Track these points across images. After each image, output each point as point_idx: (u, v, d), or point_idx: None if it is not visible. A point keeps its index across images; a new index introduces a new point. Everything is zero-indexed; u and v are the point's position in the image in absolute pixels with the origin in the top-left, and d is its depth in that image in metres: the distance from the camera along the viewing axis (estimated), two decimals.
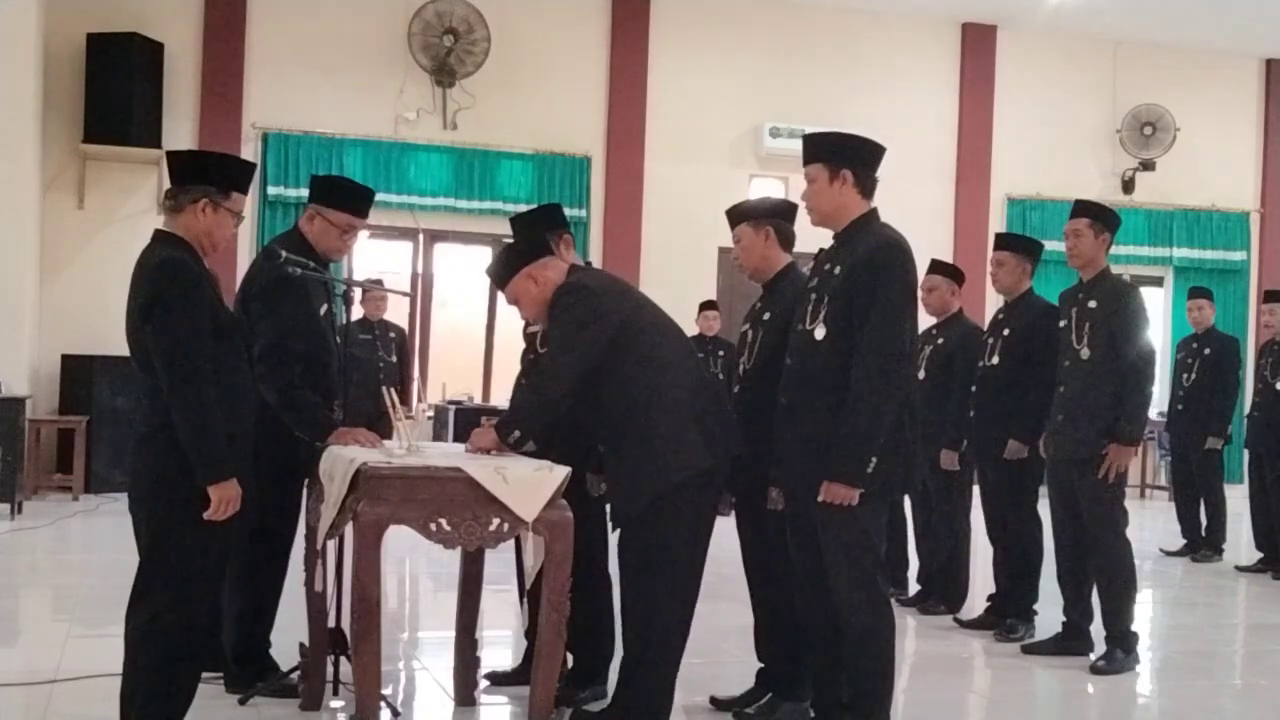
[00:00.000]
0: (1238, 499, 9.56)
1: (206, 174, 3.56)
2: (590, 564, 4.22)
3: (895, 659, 3.85)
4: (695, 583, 3.96)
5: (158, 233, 3.55)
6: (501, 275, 4.06)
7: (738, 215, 4.40)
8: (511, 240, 4.33)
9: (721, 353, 9.90)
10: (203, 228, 3.53)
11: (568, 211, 11.61)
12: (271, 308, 4.21)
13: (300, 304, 4.27)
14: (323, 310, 4.38)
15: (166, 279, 3.38)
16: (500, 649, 5.32)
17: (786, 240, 4.35)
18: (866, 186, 3.87)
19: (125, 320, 3.47)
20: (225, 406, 3.41)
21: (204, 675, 3.73)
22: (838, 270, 3.79)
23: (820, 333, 3.77)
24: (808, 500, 3.76)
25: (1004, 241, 6.21)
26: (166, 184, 3.63)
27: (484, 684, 4.57)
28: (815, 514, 3.76)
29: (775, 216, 4.32)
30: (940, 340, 6.35)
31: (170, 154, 3.67)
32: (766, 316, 4.26)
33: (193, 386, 3.33)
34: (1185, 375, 8.84)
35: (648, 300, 4.11)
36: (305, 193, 4.58)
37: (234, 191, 3.60)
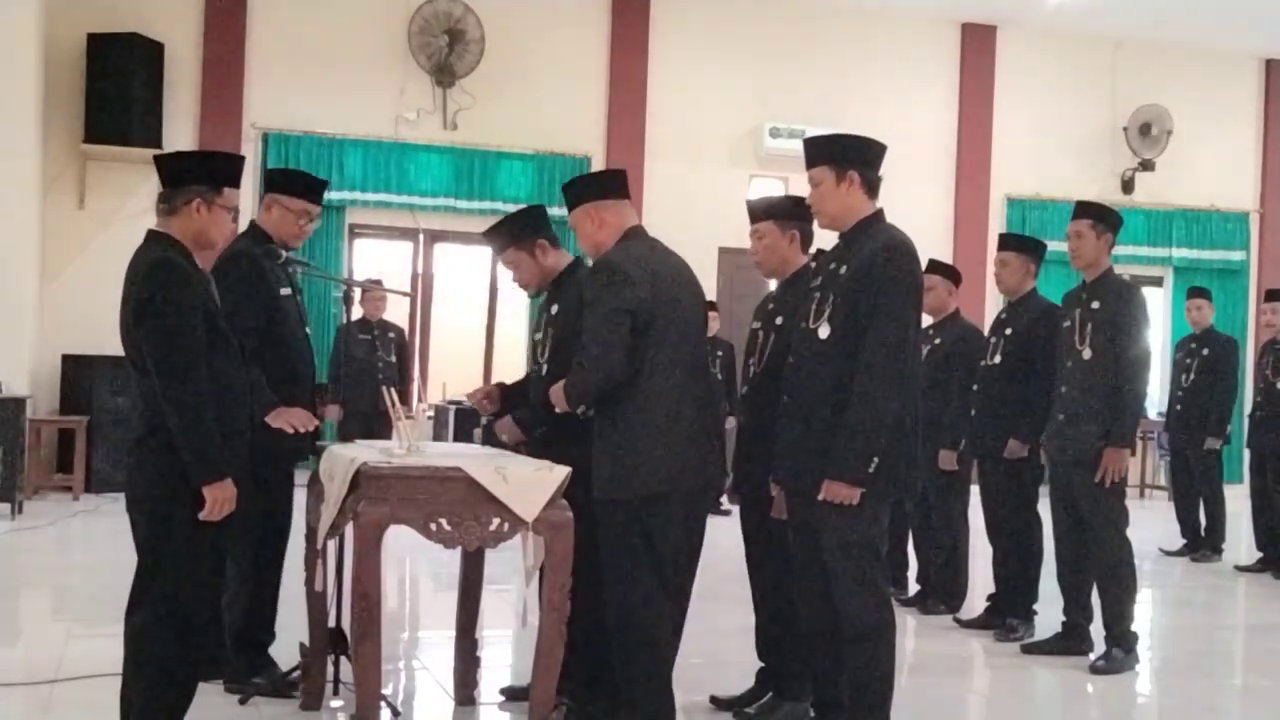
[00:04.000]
0: (1237, 499, 9.56)
1: (196, 174, 3.56)
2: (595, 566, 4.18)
3: (895, 659, 3.86)
4: (678, 582, 3.91)
5: (150, 233, 3.55)
6: (568, 200, 4.05)
7: (762, 212, 4.39)
8: (593, 172, 4.30)
9: (720, 353, 9.91)
10: (198, 227, 3.53)
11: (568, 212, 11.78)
12: (222, 287, 4.23)
13: (253, 281, 4.32)
14: (285, 292, 4.44)
15: (158, 280, 3.38)
16: (500, 649, 5.32)
17: (808, 244, 4.37)
18: (872, 186, 3.86)
19: (119, 321, 3.47)
20: (220, 406, 3.41)
21: (203, 675, 3.74)
22: (843, 270, 3.78)
23: (825, 331, 3.77)
24: (809, 499, 3.76)
25: (1008, 241, 6.21)
26: None
27: (500, 699, 4.56)
28: (817, 513, 3.76)
29: (801, 219, 4.31)
30: (937, 340, 6.36)
31: (158, 158, 3.64)
32: (779, 320, 4.26)
33: (186, 387, 3.33)
34: (1184, 375, 8.84)
35: (686, 296, 3.96)
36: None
37: (226, 187, 3.59)
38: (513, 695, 4.58)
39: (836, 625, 3.82)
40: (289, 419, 4.23)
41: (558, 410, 3.89)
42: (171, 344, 3.34)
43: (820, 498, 3.70)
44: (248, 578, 4.35)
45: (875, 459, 3.64)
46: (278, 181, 4.66)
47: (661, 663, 3.86)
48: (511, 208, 11.47)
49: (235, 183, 3.65)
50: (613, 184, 4.06)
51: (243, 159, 3.86)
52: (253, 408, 3.75)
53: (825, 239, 4.03)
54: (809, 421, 3.78)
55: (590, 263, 4.07)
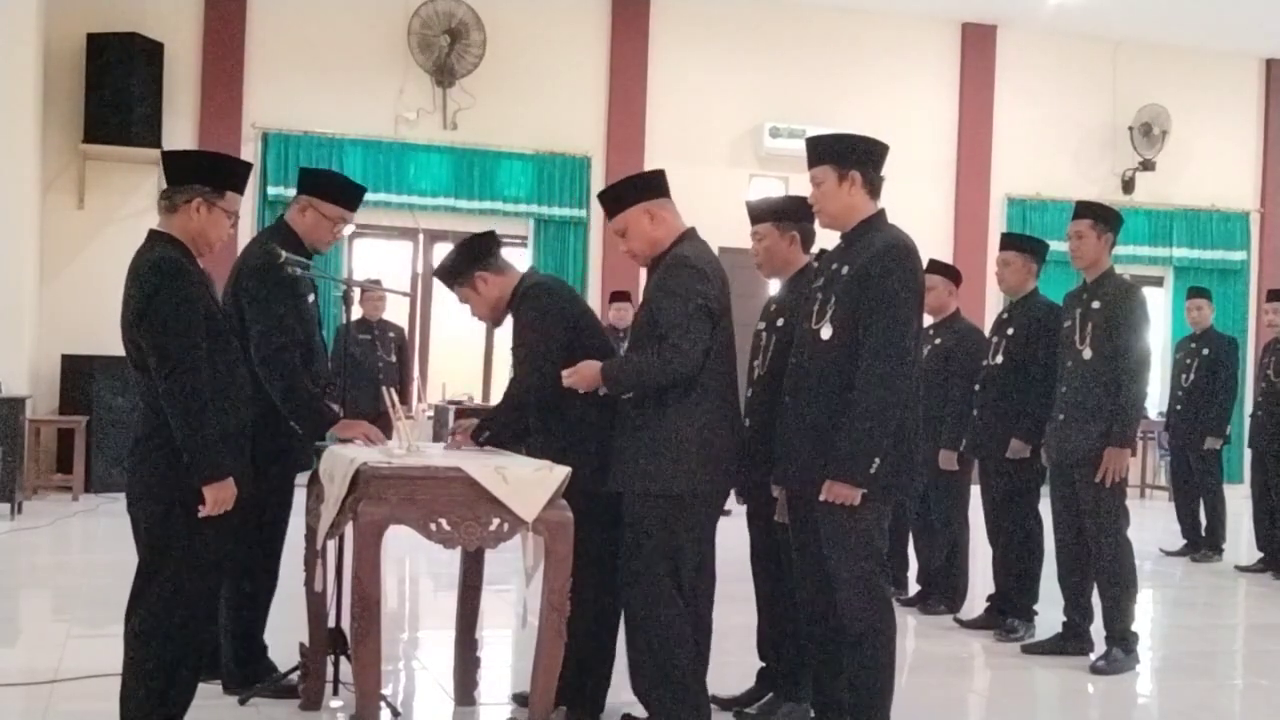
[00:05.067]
0: (1237, 499, 9.55)
1: (200, 173, 3.57)
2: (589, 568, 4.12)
3: (896, 660, 3.85)
4: (693, 580, 3.87)
5: (152, 233, 3.56)
6: (617, 202, 3.98)
7: (762, 213, 4.39)
8: (636, 174, 4.18)
9: None
10: (197, 227, 3.53)
11: (568, 211, 11.84)
12: (263, 295, 4.22)
13: (289, 293, 4.29)
14: (309, 299, 4.42)
15: (160, 279, 3.38)
16: (500, 649, 5.32)
17: (808, 243, 4.37)
18: (874, 186, 3.85)
19: (121, 321, 3.48)
20: (221, 405, 3.42)
21: (203, 676, 3.73)
22: (845, 270, 3.77)
23: (826, 332, 3.76)
24: (810, 499, 3.76)
25: (1010, 241, 6.21)
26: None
27: (504, 700, 4.54)
28: (817, 513, 3.76)
29: (802, 220, 4.31)
30: (938, 340, 6.35)
31: (165, 154, 3.68)
32: (780, 322, 4.25)
33: (187, 387, 3.33)
34: (1184, 375, 8.85)
35: (730, 302, 3.98)
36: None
37: (229, 191, 3.59)
38: (524, 701, 4.56)
39: (837, 625, 3.82)
40: (361, 432, 4.20)
41: (608, 388, 3.81)
42: (172, 344, 3.35)
43: (821, 498, 3.69)
44: (243, 580, 4.33)
45: (877, 460, 3.63)
46: (315, 184, 4.51)
47: (678, 662, 3.81)
48: (511, 207, 11.65)
49: (239, 187, 3.65)
50: (661, 183, 4.04)
51: (249, 165, 3.86)
52: (249, 408, 3.74)
53: (828, 239, 4.03)
54: (810, 422, 3.77)
55: (539, 277, 4.14)
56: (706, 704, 3.94)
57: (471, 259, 4.29)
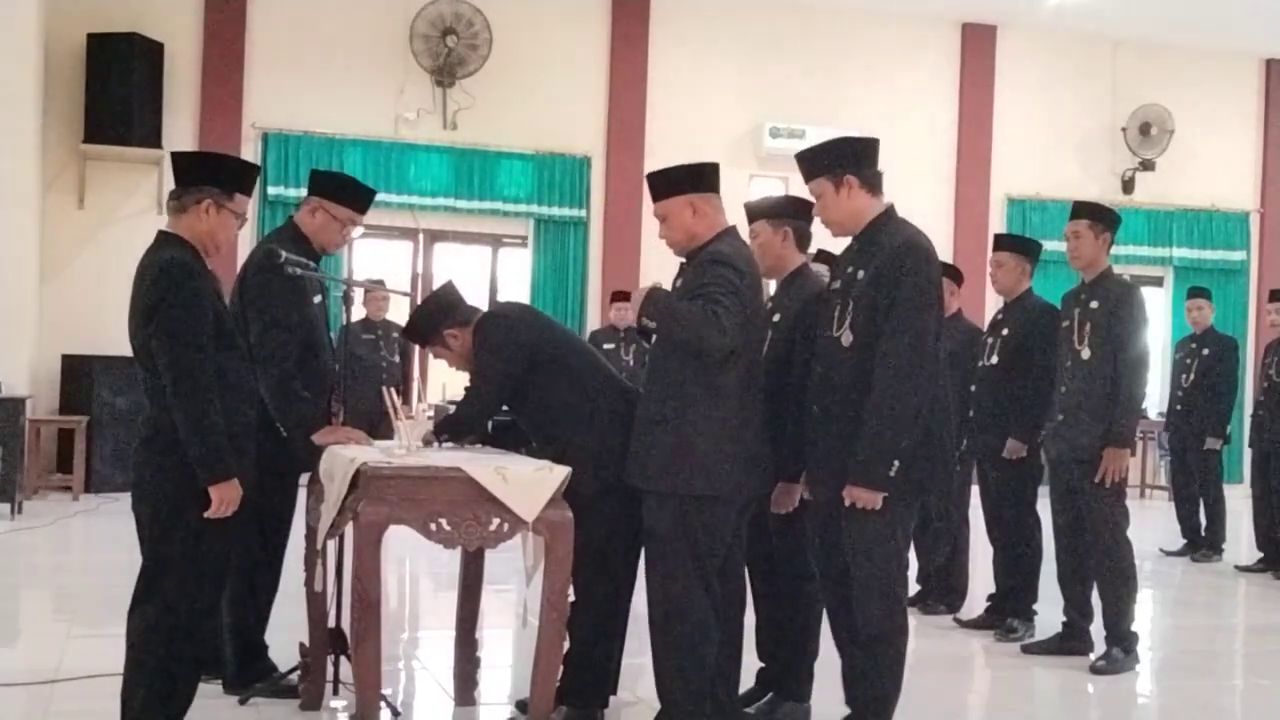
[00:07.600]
0: (1237, 499, 9.55)
1: (210, 175, 3.59)
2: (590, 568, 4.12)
3: (905, 664, 3.84)
4: (715, 585, 3.82)
5: (160, 234, 3.58)
6: (664, 188, 3.93)
7: (756, 212, 4.38)
8: (689, 164, 4.07)
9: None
10: (205, 229, 3.55)
11: (568, 212, 11.82)
12: (264, 295, 4.23)
13: (292, 294, 4.29)
14: (316, 300, 4.42)
15: (170, 281, 3.40)
16: (500, 649, 5.32)
17: (803, 241, 4.33)
18: (874, 185, 3.82)
19: (128, 321, 3.49)
20: (226, 406, 3.43)
21: (203, 675, 3.74)
22: (860, 274, 3.73)
23: (847, 339, 3.72)
24: (838, 506, 3.72)
25: (1003, 242, 6.22)
26: (167, 184, 3.65)
27: (503, 700, 4.54)
28: (843, 519, 3.73)
29: (794, 217, 4.29)
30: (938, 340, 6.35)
31: (175, 155, 3.69)
32: (776, 318, 4.25)
33: (194, 387, 3.35)
34: (1184, 375, 8.86)
35: (763, 306, 3.94)
36: (305, 193, 4.61)
37: (237, 193, 3.61)
38: (526, 708, 4.55)
39: (853, 626, 3.80)
40: (343, 437, 4.21)
41: (641, 309, 3.75)
42: (181, 344, 3.36)
43: (845, 504, 3.66)
44: (245, 580, 4.34)
45: (896, 462, 3.60)
46: (326, 186, 4.52)
47: (701, 662, 3.77)
48: (511, 207, 11.65)
49: (248, 190, 3.68)
50: (710, 177, 3.97)
51: (258, 168, 3.87)
52: (253, 409, 3.75)
53: (826, 240, 4.02)
54: (839, 430, 3.72)
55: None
56: (732, 708, 3.93)
57: (437, 317, 4.25)
